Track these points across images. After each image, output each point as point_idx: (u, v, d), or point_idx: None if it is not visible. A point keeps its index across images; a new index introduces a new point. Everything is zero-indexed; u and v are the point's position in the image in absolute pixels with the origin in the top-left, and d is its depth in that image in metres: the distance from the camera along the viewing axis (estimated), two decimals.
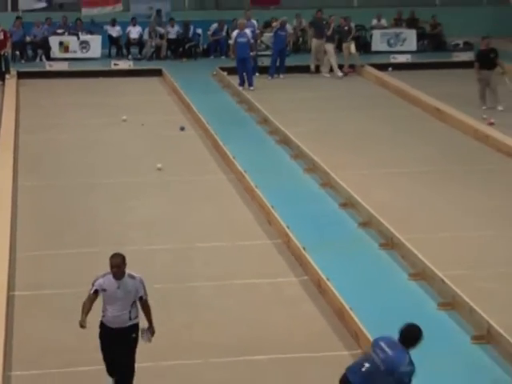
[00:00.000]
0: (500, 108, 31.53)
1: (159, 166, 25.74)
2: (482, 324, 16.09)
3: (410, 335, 11.94)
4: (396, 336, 11.77)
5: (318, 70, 38.74)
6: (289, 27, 38.87)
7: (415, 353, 11.73)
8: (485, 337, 15.90)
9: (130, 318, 13.07)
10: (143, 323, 13.19)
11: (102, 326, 13.21)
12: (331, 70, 38.35)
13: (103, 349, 13.38)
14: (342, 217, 22.21)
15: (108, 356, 13.40)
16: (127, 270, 13.32)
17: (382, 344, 12.01)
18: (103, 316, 13.12)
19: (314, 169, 25.24)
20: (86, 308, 12.96)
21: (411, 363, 11.84)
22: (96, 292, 13.02)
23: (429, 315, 16.80)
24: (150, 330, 13.15)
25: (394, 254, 19.72)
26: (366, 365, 12.00)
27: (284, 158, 27.04)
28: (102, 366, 13.49)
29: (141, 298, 13.26)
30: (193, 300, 17.59)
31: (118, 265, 12.95)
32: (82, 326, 12.91)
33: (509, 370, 14.97)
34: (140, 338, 13.27)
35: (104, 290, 12.98)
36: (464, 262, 19.06)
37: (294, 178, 25.16)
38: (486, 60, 32.10)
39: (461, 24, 42.98)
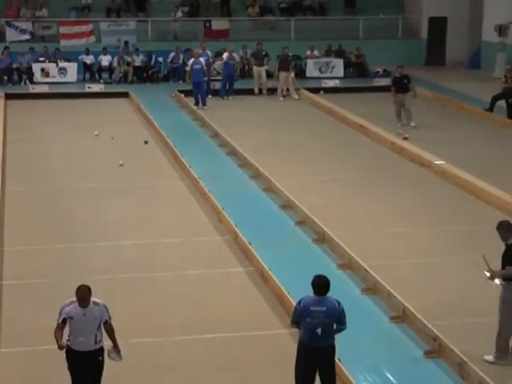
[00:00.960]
0: (413, 125, 31.71)
1: (121, 162, 25.96)
2: (399, 306, 16.30)
3: (322, 282, 12.43)
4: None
5: (260, 92, 38.75)
6: (236, 56, 38.87)
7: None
8: (401, 317, 16.14)
9: (96, 342, 12.42)
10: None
11: (69, 350, 12.47)
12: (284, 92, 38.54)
13: (70, 369, 12.57)
14: (281, 217, 22.26)
15: (75, 376, 12.60)
16: (92, 298, 12.44)
17: (312, 308, 12.29)
18: (68, 340, 12.40)
19: (258, 176, 25.26)
20: (59, 335, 12.26)
21: (337, 301, 12.47)
22: (64, 321, 12.34)
23: (354, 299, 16.95)
24: (116, 349, 12.61)
25: (325, 248, 19.85)
26: (318, 330, 12.23)
27: (232, 166, 27.03)
28: None
29: (106, 322, 12.57)
30: (155, 287, 17.63)
31: (83, 297, 12.23)
32: (61, 347, 12.26)
33: (421, 344, 15.15)
34: (108, 357, 12.67)
35: (71, 318, 12.30)
36: (384, 254, 19.22)
37: (240, 184, 25.16)
38: (401, 85, 32.28)
39: (380, 54, 43.10)
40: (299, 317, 12.42)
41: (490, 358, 14.63)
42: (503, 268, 14.50)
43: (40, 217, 22.08)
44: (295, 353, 12.52)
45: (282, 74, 38.44)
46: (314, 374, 12.44)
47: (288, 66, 38.59)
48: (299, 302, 12.50)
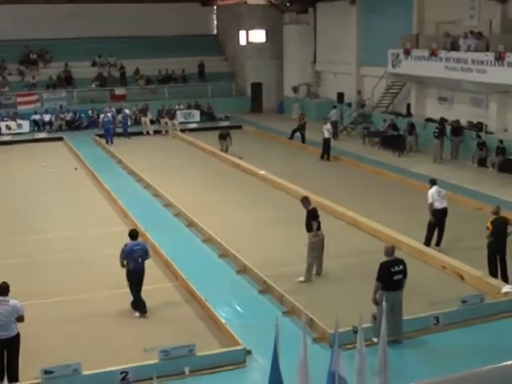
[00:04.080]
0: (240, 156, 31.31)
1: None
2: (241, 264, 16.17)
3: (134, 233, 14.33)
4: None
5: (148, 133, 38.15)
6: (127, 111, 38.21)
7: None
8: (243, 270, 15.91)
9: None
10: None
11: None
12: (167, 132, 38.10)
13: None
14: (164, 211, 22.09)
15: None
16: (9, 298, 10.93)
17: (135, 247, 13.96)
18: None
19: (149, 186, 25.07)
20: None
21: (145, 242, 14.92)
22: None
23: (213, 261, 16.98)
24: None
25: (194, 230, 19.71)
26: (139, 259, 13.91)
27: (131, 181, 26.60)
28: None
29: (19, 317, 10.90)
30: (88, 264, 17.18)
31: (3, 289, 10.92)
32: None
33: (256, 286, 15.14)
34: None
35: None
36: (230, 232, 19.09)
37: (138, 192, 24.82)
38: (222, 135, 31.76)
39: (222, 106, 43.15)
40: (128, 254, 13.82)
41: (301, 279, 15.37)
42: (307, 224, 15.48)
43: None
44: None
45: (167, 121, 37.96)
46: None
47: (173, 116, 38.26)
48: (126, 245, 13.94)
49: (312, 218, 15.52)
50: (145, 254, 14.04)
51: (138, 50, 45.55)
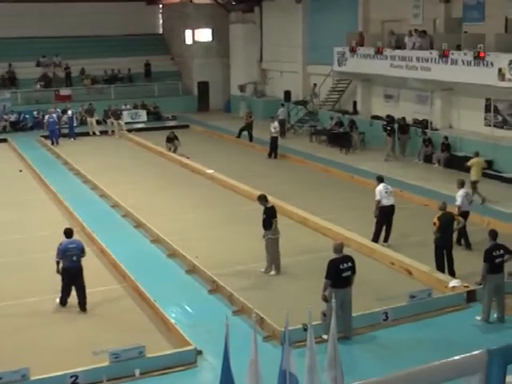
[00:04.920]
0: (188, 156, 30.81)
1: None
2: (190, 264, 16.08)
3: (69, 231, 14.38)
4: None
5: (94, 134, 37.73)
6: (70, 112, 37.43)
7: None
8: (192, 270, 15.85)
9: None
10: None
11: None
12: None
13: None
14: (111, 212, 21.87)
15: None
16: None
17: (70, 246, 13.97)
18: None
19: (96, 188, 24.83)
20: None
21: (80, 240, 14.68)
22: None
23: (162, 261, 16.88)
24: None
25: (142, 231, 19.56)
26: (74, 257, 13.92)
27: (78, 183, 26.29)
28: None
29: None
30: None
31: None
32: None
33: (206, 286, 15.07)
34: None
35: None
36: (180, 232, 19.01)
37: (84, 192, 24.58)
38: (169, 139, 31.47)
39: (169, 106, 42.91)
40: (62, 252, 13.90)
41: (273, 272, 15.79)
42: (267, 222, 15.70)
43: None
44: None
45: (114, 121, 37.55)
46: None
47: (119, 116, 37.88)
48: (61, 244, 14.00)
49: (272, 215, 15.59)
50: (81, 252, 14.03)
51: (83, 50, 45.06)
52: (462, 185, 17.61)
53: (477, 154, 22.38)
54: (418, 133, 29.07)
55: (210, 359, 11.73)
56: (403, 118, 29.84)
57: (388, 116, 30.74)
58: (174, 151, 31.05)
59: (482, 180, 22.22)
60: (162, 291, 14.71)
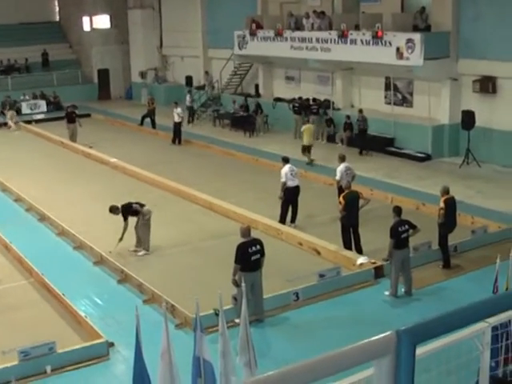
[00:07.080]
0: (90, 145, 29.93)
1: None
2: (97, 255, 15.86)
3: None
4: None
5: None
6: None
7: None
8: (100, 261, 15.64)
9: None
10: None
11: None
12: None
13: None
14: (14, 206, 21.31)
15: None
16: None
17: None
18: None
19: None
20: None
21: None
22: None
23: (69, 252, 16.49)
24: None
25: (46, 223, 19.16)
26: None
27: None
28: None
29: None
30: None
31: None
32: None
33: (114, 276, 14.83)
34: None
35: None
36: (87, 223, 18.70)
37: None
38: (70, 118, 30.60)
39: (69, 94, 41.39)
40: None
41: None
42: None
43: None
44: None
45: (9, 113, 36.43)
46: None
47: (12, 107, 36.86)
48: None
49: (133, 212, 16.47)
50: None
51: None
52: (342, 159, 18.05)
53: (308, 121, 26.37)
54: (320, 113, 29.40)
55: (122, 351, 11.60)
56: (307, 99, 30.23)
57: (300, 98, 30.87)
58: (74, 139, 30.15)
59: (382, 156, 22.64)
60: (71, 284, 14.45)
